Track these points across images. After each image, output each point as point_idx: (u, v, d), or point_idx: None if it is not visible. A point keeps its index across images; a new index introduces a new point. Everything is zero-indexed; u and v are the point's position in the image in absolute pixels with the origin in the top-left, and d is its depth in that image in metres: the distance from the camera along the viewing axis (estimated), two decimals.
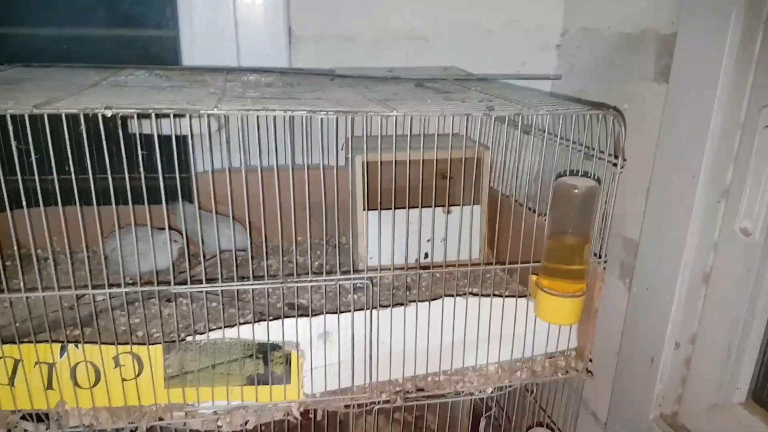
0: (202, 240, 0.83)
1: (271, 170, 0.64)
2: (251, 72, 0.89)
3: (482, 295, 0.74)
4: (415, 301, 0.74)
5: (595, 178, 0.73)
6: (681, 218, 0.77)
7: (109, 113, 0.55)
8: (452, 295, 0.74)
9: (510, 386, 0.78)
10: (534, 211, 0.82)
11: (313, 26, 1.01)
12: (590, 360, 0.80)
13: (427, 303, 0.73)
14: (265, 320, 0.70)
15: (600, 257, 0.75)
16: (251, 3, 0.97)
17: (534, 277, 0.75)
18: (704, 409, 0.84)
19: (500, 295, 0.76)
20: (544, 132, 0.73)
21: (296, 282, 0.72)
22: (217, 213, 0.79)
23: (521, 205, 0.86)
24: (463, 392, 0.76)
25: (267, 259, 0.90)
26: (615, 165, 0.72)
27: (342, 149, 0.97)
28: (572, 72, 1.06)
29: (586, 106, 0.72)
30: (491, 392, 0.77)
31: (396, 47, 1.05)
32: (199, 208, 0.91)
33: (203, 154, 0.91)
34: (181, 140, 0.78)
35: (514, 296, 0.76)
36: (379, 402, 0.76)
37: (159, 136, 0.61)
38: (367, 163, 0.85)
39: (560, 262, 0.71)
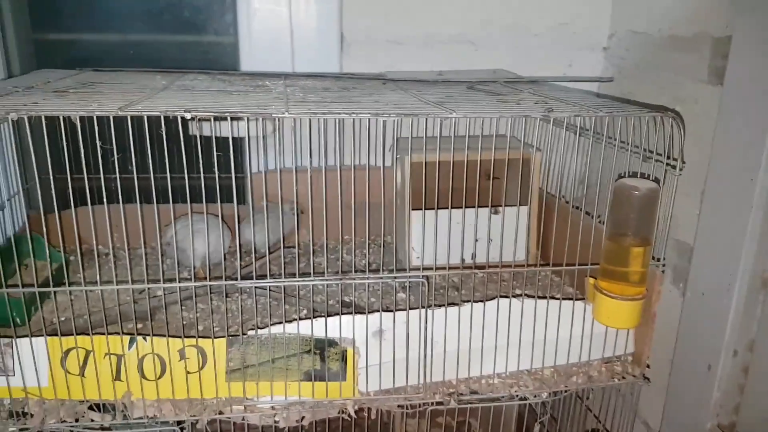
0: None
1: (320, 171, 0.66)
2: (307, 77, 0.91)
3: (538, 297, 0.74)
4: (469, 301, 0.74)
5: (654, 179, 0.72)
6: (739, 221, 0.76)
7: (188, 116, 0.57)
8: (507, 296, 0.74)
9: (566, 391, 0.77)
10: (590, 214, 0.82)
11: (364, 32, 1.04)
12: (647, 366, 0.79)
13: (481, 303, 0.74)
14: (321, 316, 0.71)
15: (658, 261, 0.75)
16: (306, 11, 1.00)
17: (592, 280, 0.74)
18: (765, 420, 0.81)
19: (556, 298, 0.76)
20: (602, 134, 0.73)
21: (353, 279, 0.73)
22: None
23: (576, 207, 0.86)
24: (517, 396, 0.76)
25: (327, 256, 0.91)
26: (674, 167, 0.72)
27: (390, 150, 0.99)
28: (620, 74, 1.06)
29: (645, 108, 0.71)
30: (546, 397, 0.76)
31: (443, 51, 1.07)
32: (253, 208, 0.93)
33: (258, 156, 0.93)
34: (238, 142, 0.81)
35: (570, 299, 0.76)
36: (432, 403, 0.76)
37: (200, 137, 0.63)
38: (421, 163, 0.86)
39: (619, 265, 0.71)
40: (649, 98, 0.96)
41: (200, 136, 0.61)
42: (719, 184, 0.80)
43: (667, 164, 0.72)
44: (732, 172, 0.77)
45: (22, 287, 0.67)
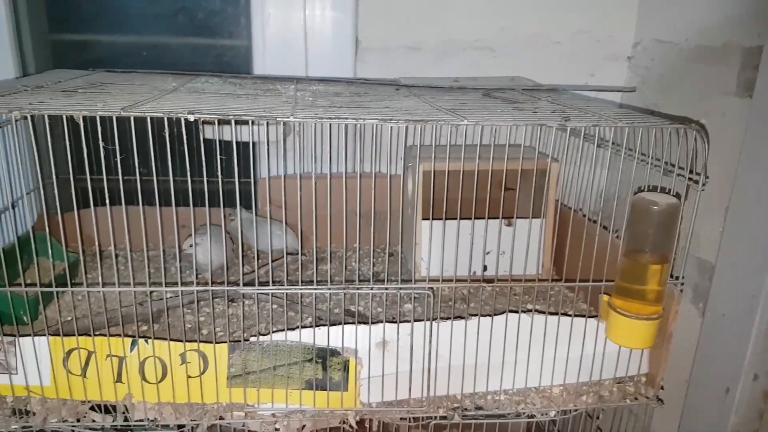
0: (257, 243, 0.84)
1: (333, 177, 0.64)
2: (319, 81, 0.90)
3: (549, 313, 0.72)
4: (476, 314, 0.72)
5: (675, 194, 0.69)
6: (764, 240, 0.72)
7: (192, 118, 0.56)
8: (516, 311, 0.72)
9: (575, 410, 0.74)
10: (607, 229, 0.79)
11: (380, 37, 1.02)
12: (661, 387, 0.75)
13: (489, 317, 0.72)
14: (324, 325, 0.70)
15: (677, 279, 0.71)
16: (321, 15, 0.99)
17: (606, 297, 0.71)
18: None
19: (567, 314, 0.73)
20: (621, 146, 0.70)
21: (357, 288, 0.71)
22: (271, 218, 0.80)
23: (592, 221, 0.83)
24: (524, 414, 0.73)
25: (330, 264, 0.90)
26: (696, 182, 0.69)
27: (402, 158, 0.97)
28: (645, 84, 1.02)
29: (667, 119, 0.68)
30: (554, 415, 0.74)
31: (461, 57, 1.04)
32: (256, 214, 0.93)
33: (269, 161, 0.93)
34: (249, 147, 0.80)
35: (582, 316, 0.73)
36: (435, 417, 0.74)
37: (221, 141, 0.62)
38: (432, 171, 0.84)
39: (635, 282, 0.68)
40: (673, 110, 0.93)
41: (203, 139, 0.60)
42: (745, 200, 0.76)
43: (690, 179, 0.69)
44: (759, 189, 0.73)
45: (25, 286, 0.67)
